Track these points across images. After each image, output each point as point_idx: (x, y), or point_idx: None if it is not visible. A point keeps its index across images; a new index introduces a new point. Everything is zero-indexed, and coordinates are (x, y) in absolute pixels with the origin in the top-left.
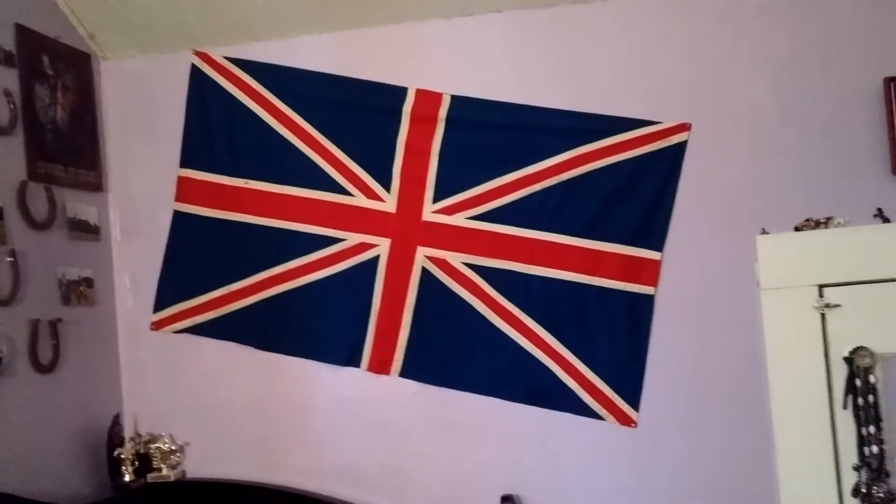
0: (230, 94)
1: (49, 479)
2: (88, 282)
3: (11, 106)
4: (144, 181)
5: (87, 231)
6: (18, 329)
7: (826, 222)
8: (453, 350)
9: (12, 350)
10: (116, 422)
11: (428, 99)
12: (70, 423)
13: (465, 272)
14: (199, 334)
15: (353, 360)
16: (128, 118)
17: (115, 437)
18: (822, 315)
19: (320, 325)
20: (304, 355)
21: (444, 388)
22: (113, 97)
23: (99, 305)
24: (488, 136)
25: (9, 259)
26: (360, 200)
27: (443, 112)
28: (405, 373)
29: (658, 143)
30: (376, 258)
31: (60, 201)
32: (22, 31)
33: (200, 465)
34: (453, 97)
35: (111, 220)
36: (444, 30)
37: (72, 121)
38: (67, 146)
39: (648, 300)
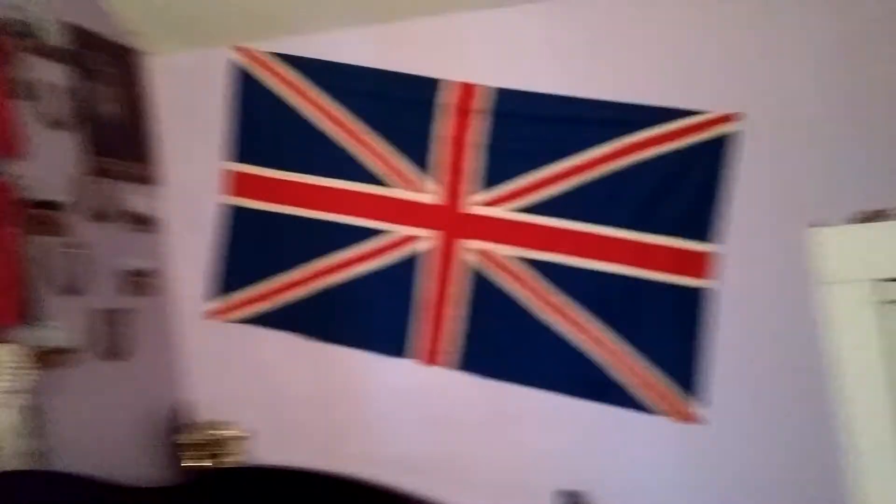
0: (272, 89)
1: (119, 463)
2: (148, 273)
3: (68, 103)
4: (196, 174)
5: (144, 223)
6: (85, 319)
7: (881, 214)
8: (505, 343)
9: (80, 339)
10: (179, 408)
11: (468, 91)
12: (136, 409)
13: (510, 265)
14: (256, 324)
15: (401, 350)
16: (176, 113)
17: (178, 423)
18: (882, 310)
19: (369, 316)
20: (356, 345)
21: (500, 382)
22: (162, 92)
23: (159, 295)
24: (530, 127)
25: (73, 251)
26: (403, 193)
27: (483, 103)
28: (461, 365)
29: (703, 133)
30: (421, 250)
31: (118, 195)
32: (73, 30)
33: (262, 452)
34: (493, 89)
35: (166, 213)
36: (482, 21)
37: (124, 116)
38: (121, 141)
39: (702, 293)
